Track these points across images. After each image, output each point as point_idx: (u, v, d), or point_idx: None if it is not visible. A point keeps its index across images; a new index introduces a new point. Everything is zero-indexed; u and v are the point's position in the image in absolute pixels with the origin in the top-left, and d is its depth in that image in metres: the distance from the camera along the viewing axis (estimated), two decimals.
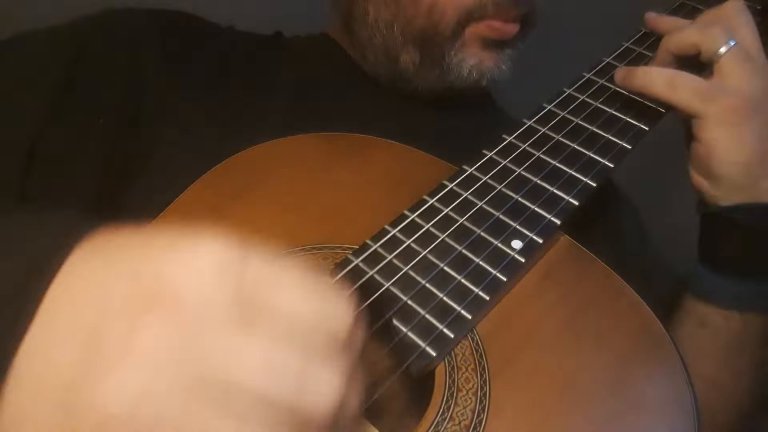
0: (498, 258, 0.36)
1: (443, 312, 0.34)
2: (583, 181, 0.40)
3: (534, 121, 0.45)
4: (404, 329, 0.33)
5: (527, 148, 0.43)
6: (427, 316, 0.33)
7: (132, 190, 0.47)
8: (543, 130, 0.44)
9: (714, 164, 0.44)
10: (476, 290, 0.34)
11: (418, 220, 0.38)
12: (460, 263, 0.36)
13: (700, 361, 0.46)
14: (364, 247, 0.36)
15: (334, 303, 0.22)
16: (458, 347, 0.33)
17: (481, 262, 0.36)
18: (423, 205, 0.39)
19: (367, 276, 0.35)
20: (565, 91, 0.48)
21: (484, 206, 0.39)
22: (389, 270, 0.35)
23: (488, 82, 0.53)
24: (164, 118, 0.48)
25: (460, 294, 0.34)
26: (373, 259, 0.36)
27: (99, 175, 0.46)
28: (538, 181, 0.40)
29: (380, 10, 0.53)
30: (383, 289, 0.34)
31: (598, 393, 0.32)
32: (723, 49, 0.44)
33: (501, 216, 0.38)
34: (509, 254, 0.36)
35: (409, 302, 0.34)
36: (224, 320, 0.20)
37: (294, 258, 0.35)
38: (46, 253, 0.21)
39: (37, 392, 0.19)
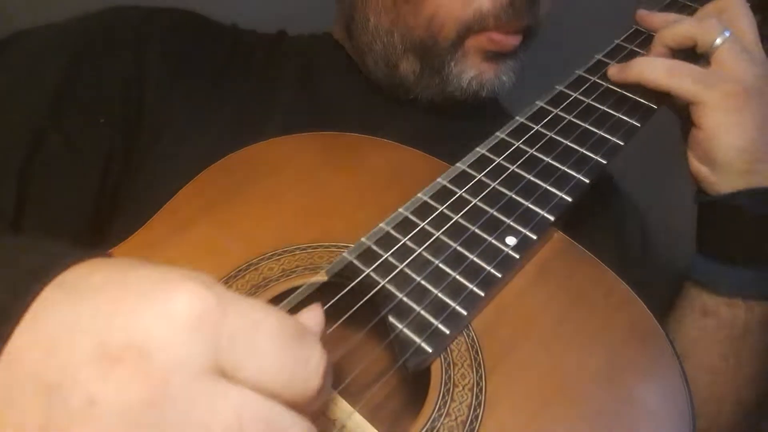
0: (492, 254, 0.36)
1: (438, 308, 0.34)
2: (576, 177, 0.41)
3: (527, 119, 0.45)
4: (400, 326, 0.33)
5: (520, 145, 0.43)
6: (423, 312, 0.33)
7: (132, 189, 0.47)
8: (536, 128, 0.44)
9: (715, 150, 0.44)
10: (471, 286, 0.35)
11: (413, 218, 0.38)
12: (455, 260, 0.36)
13: (705, 352, 0.46)
14: (359, 245, 0.37)
15: (306, 366, 0.21)
16: (454, 343, 0.33)
17: (475, 259, 0.36)
18: (418, 203, 0.39)
19: (363, 274, 0.35)
20: (558, 89, 0.48)
21: (479, 203, 0.39)
22: (384, 267, 0.35)
23: (489, 94, 0.53)
24: (165, 118, 0.48)
25: (455, 290, 0.35)
26: (368, 256, 0.36)
27: (99, 174, 0.46)
28: (531, 178, 0.41)
29: (380, 17, 0.52)
30: (379, 286, 0.34)
31: (593, 387, 0.32)
32: (719, 41, 0.45)
33: (495, 213, 0.39)
34: (503, 250, 0.37)
35: (405, 299, 0.34)
36: (194, 381, 0.19)
37: (267, 300, 0.34)
38: (14, 291, 0.20)
39: None
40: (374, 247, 0.36)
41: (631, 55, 0.50)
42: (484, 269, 0.35)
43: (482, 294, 0.34)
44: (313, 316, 0.26)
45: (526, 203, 0.39)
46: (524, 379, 0.32)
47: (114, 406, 0.18)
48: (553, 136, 0.44)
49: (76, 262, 0.22)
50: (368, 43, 0.54)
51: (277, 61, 0.56)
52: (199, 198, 0.40)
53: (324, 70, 0.57)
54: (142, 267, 0.21)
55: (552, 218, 0.38)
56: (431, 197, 0.40)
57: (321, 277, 0.35)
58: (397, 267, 0.35)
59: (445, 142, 0.44)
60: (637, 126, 0.44)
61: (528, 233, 0.37)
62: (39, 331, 0.20)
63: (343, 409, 0.31)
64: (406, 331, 0.33)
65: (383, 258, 0.36)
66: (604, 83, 0.48)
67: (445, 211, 0.39)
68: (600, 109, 0.46)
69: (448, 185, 0.40)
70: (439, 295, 0.34)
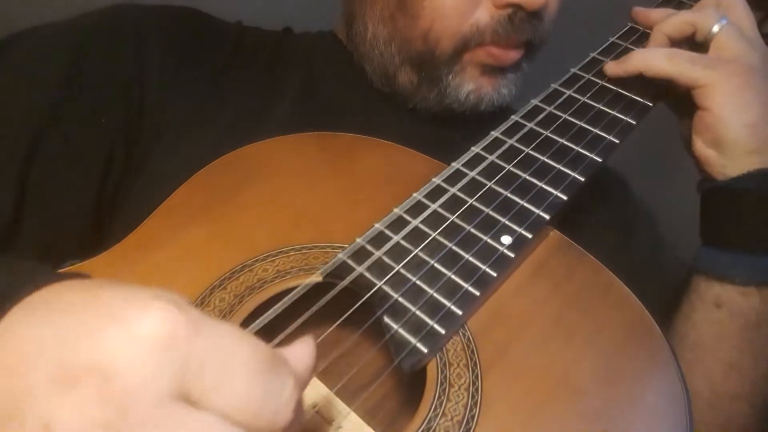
0: (488, 253, 0.36)
1: (434, 308, 0.34)
2: (571, 175, 0.41)
3: (521, 117, 0.45)
4: (395, 326, 0.33)
5: (515, 143, 0.43)
6: (418, 312, 0.33)
7: (132, 189, 0.47)
8: (530, 126, 0.44)
9: (723, 130, 0.44)
10: (466, 286, 0.34)
11: (408, 218, 0.38)
12: (450, 259, 0.36)
13: (719, 345, 0.45)
14: (353, 246, 0.36)
15: (276, 399, 0.20)
16: (450, 343, 0.33)
17: (470, 258, 0.36)
18: (412, 203, 0.39)
19: (357, 274, 0.35)
20: (552, 86, 0.48)
21: (474, 202, 0.39)
22: (379, 268, 0.35)
23: (488, 107, 0.52)
24: (166, 117, 0.48)
25: (451, 290, 0.34)
26: (363, 256, 0.36)
27: (99, 174, 0.46)
28: (526, 177, 0.41)
29: (378, 27, 0.52)
30: (376, 288, 0.34)
31: (589, 386, 0.32)
32: (716, 27, 0.45)
33: (490, 212, 0.38)
34: (499, 250, 0.36)
35: (400, 299, 0.34)
36: (158, 407, 0.18)
37: (260, 303, 0.34)
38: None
39: None
40: (369, 247, 0.36)
41: (626, 52, 0.50)
42: (480, 269, 0.35)
43: (477, 293, 0.34)
44: (303, 349, 0.24)
45: (521, 202, 0.39)
46: (520, 379, 0.32)
47: (70, 430, 0.17)
48: (548, 134, 0.44)
49: (46, 284, 0.21)
50: (367, 52, 0.53)
51: (281, 60, 0.56)
52: (195, 198, 0.40)
53: (327, 71, 0.56)
54: (113, 287, 0.21)
55: (547, 217, 0.38)
56: (426, 196, 0.39)
57: (316, 278, 0.35)
58: (392, 267, 0.35)
59: (446, 146, 0.44)
60: (633, 124, 0.44)
61: (523, 232, 0.37)
62: (2, 352, 0.19)
63: (339, 409, 0.31)
64: (401, 331, 0.33)
65: (377, 258, 0.36)
66: (599, 81, 0.48)
67: (440, 210, 0.39)
68: (595, 106, 0.46)
69: (443, 184, 0.40)
70: (435, 295, 0.34)
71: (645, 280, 0.53)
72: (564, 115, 0.45)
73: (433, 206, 0.39)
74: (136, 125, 0.47)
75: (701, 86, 0.44)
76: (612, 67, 0.48)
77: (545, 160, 0.42)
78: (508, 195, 0.39)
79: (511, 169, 0.41)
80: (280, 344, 0.25)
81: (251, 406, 0.20)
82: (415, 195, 0.39)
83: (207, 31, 0.55)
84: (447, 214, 0.38)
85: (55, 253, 0.44)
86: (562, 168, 0.41)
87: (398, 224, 0.38)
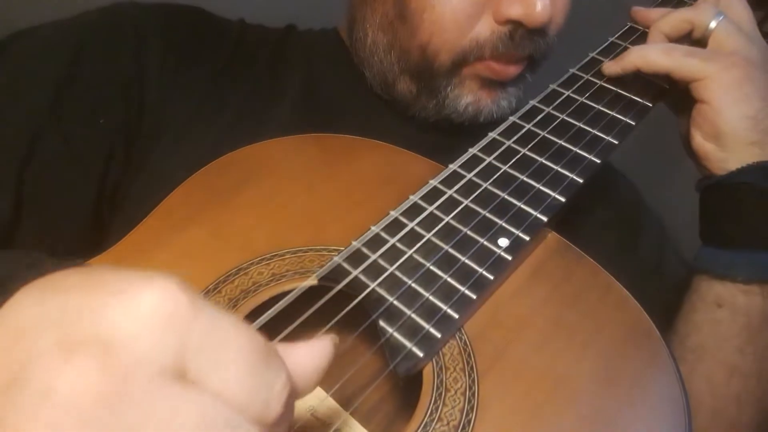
0: (484, 256, 0.36)
1: (430, 312, 0.33)
2: (569, 177, 0.40)
3: (519, 118, 0.45)
4: (390, 330, 0.32)
5: (512, 144, 0.43)
6: (414, 316, 0.33)
7: (132, 189, 0.47)
8: (528, 127, 0.44)
9: (722, 122, 0.43)
10: (463, 289, 0.34)
11: (404, 220, 0.38)
12: (447, 262, 0.36)
13: (720, 347, 0.44)
14: (349, 249, 0.36)
15: (268, 390, 0.20)
16: (446, 347, 0.33)
17: (467, 261, 0.36)
18: (409, 205, 0.39)
19: (352, 276, 0.34)
20: (551, 87, 0.48)
21: (470, 204, 0.39)
22: (375, 270, 0.35)
23: (486, 119, 0.51)
24: (165, 117, 0.48)
25: (447, 293, 0.34)
26: (359, 259, 0.35)
27: (98, 175, 0.46)
28: (523, 178, 0.40)
29: (378, 34, 0.51)
30: (369, 289, 0.34)
31: (587, 390, 0.32)
32: (713, 23, 0.45)
33: (487, 214, 0.38)
34: (496, 252, 0.36)
35: (395, 302, 0.34)
36: (156, 380, 0.18)
37: (255, 307, 0.34)
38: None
39: None
40: (364, 250, 0.36)
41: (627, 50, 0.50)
42: (476, 271, 0.35)
43: (474, 297, 0.34)
44: (314, 348, 0.24)
45: (519, 204, 0.39)
46: (518, 383, 0.32)
47: (69, 397, 0.17)
48: (546, 135, 0.43)
49: (49, 271, 0.22)
50: (366, 57, 0.53)
51: (282, 59, 0.55)
52: (193, 199, 0.40)
53: (327, 71, 0.56)
54: (116, 270, 0.21)
55: (545, 219, 0.38)
56: (422, 198, 0.39)
57: (311, 281, 0.35)
58: (387, 269, 0.35)
59: (445, 149, 0.43)
60: (632, 124, 0.44)
61: (520, 234, 0.37)
62: (4, 326, 0.19)
63: (335, 412, 0.31)
64: (396, 335, 0.32)
65: (373, 260, 0.35)
66: (598, 81, 0.48)
67: (436, 212, 0.38)
68: (594, 107, 0.45)
69: (440, 186, 0.40)
70: (431, 298, 0.34)
71: (651, 282, 0.53)
72: (562, 116, 0.45)
73: (430, 208, 0.38)
74: (135, 125, 0.47)
75: (699, 79, 0.43)
76: (610, 66, 0.48)
77: (543, 161, 0.41)
78: (506, 197, 0.39)
79: (509, 170, 0.41)
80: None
81: (243, 394, 0.20)
82: (411, 197, 0.39)
83: (208, 30, 0.55)
84: (443, 216, 0.38)
85: (55, 254, 0.44)
86: (560, 169, 0.41)
87: (394, 227, 0.37)
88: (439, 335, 0.32)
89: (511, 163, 0.41)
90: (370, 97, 0.55)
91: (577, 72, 0.49)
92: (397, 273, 0.35)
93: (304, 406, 0.32)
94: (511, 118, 0.45)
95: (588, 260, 0.38)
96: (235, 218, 0.39)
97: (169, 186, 0.40)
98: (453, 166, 0.41)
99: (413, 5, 0.46)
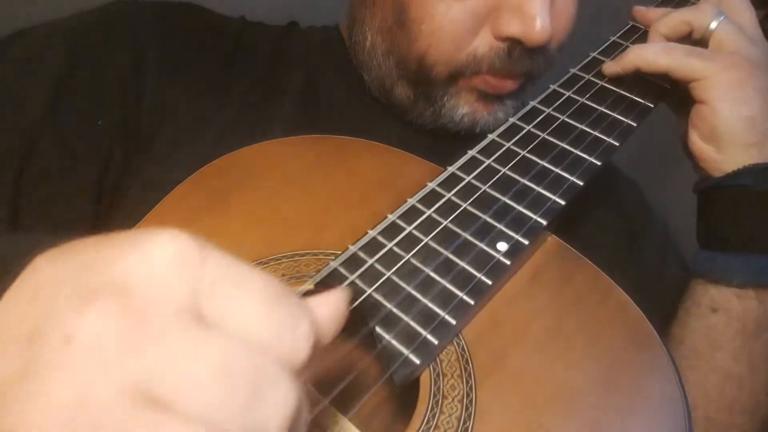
0: (483, 261, 0.35)
1: (427, 318, 0.33)
2: (569, 180, 0.40)
3: (519, 119, 0.44)
4: (387, 336, 0.32)
5: (512, 146, 0.42)
6: (411, 322, 0.33)
7: (130, 191, 0.46)
8: (528, 128, 0.43)
9: (720, 123, 0.43)
10: (461, 295, 0.34)
11: (402, 223, 0.37)
12: (444, 267, 0.35)
13: (714, 353, 0.44)
14: (346, 253, 0.36)
15: (293, 331, 0.20)
16: (444, 353, 0.33)
17: (465, 266, 0.35)
18: (406, 208, 0.38)
19: (348, 281, 0.34)
20: (551, 87, 0.47)
21: (469, 208, 0.38)
22: (372, 275, 0.34)
23: (483, 130, 0.50)
24: (163, 118, 0.47)
25: (445, 299, 0.34)
26: (356, 264, 0.35)
27: (96, 177, 0.45)
28: (523, 181, 0.40)
29: (377, 39, 0.50)
30: (365, 295, 0.33)
31: (587, 396, 0.32)
32: (714, 24, 0.44)
33: (486, 217, 0.38)
34: (494, 257, 0.36)
35: (392, 308, 0.33)
36: (175, 320, 0.18)
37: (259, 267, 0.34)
38: (6, 265, 0.21)
39: None
40: (361, 254, 0.35)
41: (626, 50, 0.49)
42: (475, 276, 0.35)
43: (472, 302, 0.33)
44: (328, 297, 0.23)
45: (518, 207, 0.38)
46: (516, 390, 0.31)
47: (91, 341, 0.17)
48: (546, 136, 0.43)
49: (65, 242, 0.22)
50: (365, 60, 0.52)
51: (283, 58, 0.55)
52: (188, 202, 0.39)
53: (328, 71, 0.55)
54: (126, 233, 0.21)
55: (544, 222, 0.37)
56: (420, 201, 0.39)
57: (307, 286, 0.34)
58: (384, 274, 0.35)
59: (444, 152, 0.43)
60: (633, 126, 0.43)
61: (520, 238, 0.36)
62: (25, 285, 0.20)
63: (333, 418, 0.31)
64: (393, 341, 0.32)
65: (369, 265, 0.35)
66: (599, 81, 0.47)
67: (435, 215, 0.38)
68: (595, 108, 0.45)
69: (438, 189, 0.39)
70: (428, 303, 0.33)
71: (652, 285, 0.53)
72: (563, 117, 0.44)
73: (428, 212, 0.38)
74: (134, 125, 0.47)
75: (698, 79, 0.43)
76: (610, 66, 0.47)
77: (543, 163, 0.41)
78: (505, 200, 0.39)
79: (508, 172, 0.40)
80: None
81: (265, 332, 0.19)
82: (409, 200, 0.39)
83: (206, 28, 0.54)
84: (442, 220, 0.37)
85: None
86: (560, 172, 0.40)
87: (392, 230, 0.37)
88: (436, 342, 0.32)
89: (510, 165, 0.41)
90: (370, 98, 0.54)
91: (577, 72, 0.48)
92: (395, 278, 0.34)
93: None
94: (511, 120, 0.44)
95: (588, 264, 0.38)
96: (231, 221, 0.38)
97: (168, 187, 0.39)
98: (452, 169, 0.41)
99: (412, 14, 0.46)
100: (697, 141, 0.45)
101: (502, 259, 0.35)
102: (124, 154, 0.46)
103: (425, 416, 0.30)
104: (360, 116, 0.54)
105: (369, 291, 0.34)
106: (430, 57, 0.46)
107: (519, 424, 0.30)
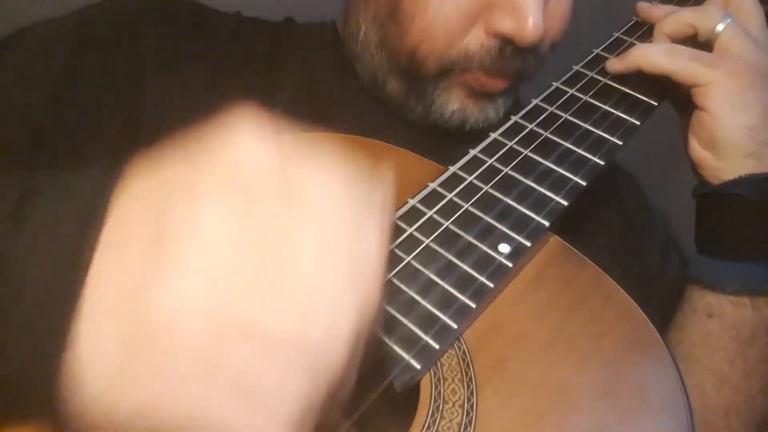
0: (485, 263, 0.35)
1: (428, 322, 0.32)
2: (572, 180, 0.39)
3: (521, 117, 0.44)
4: (387, 341, 0.32)
5: (514, 145, 0.41)
6: (412, 326, 0.32)
7: None
8: (531, 127, 0.43)
9: (719, 130, 0.42)
10: (462, 298, 0.33)
11: (402, 225, 0.37)
12: (446, 269, 0.35)
13: (710, 357, 0.44)
14: None
15: (375, 180, 0.24)
16: (444, 357, 0.32)
17: (467, 268, 0.35)
18: (407, 209, 0.38)
19: None
20: (554, 85, 0.46)
21: (470, 208, 0.38)
22: None
23: (473, 128, 0.49)
24: (163, 114, 0.47)
25: (446, 302, 0.33)
26: None
27: (102, 174, 0.45)
28: (525, 181, 0.39)
29: (371, 30, 0.50)
30: None
31: (589, 400, 0.31)
32: (720, 26, 0.43)
33: (487, 218, 0.37)
34: (496, 259, 0.35)
35: (393, 312, 0.33)
36: (275, 200, 0.21)
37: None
38: (102, 191, 0.23)
39: (109, 308, 0.20)
40: None
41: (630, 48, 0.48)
42: (476, 279, 0.34)
43: (473, 306, 0.33)
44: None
45: (520, 208, 0.38)
46: (517, 394, 0.31)
47: (213, 225, 0.20)
48: (549, 135, 0.42)
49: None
50: (359, 52, 0.51)
51: (278, 54, 0.54)
52: None
53: (324, 67, 0.55)
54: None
55: (547, 224, 0.37)
56: (421, 202, 0.38)
57: None
58: (384, 277, 0.34)
59: (442, 147, 0.42)
60: (637, 124, 0.43)
61: (522, 240, 0.36)
62: (130, 198, 0.22)
63: (336, 424, 0.30)
64: (393, 346, 0.31)
65: None
66: (602, 79, 0.46)
67: (435, 216, 0.37)
68: (598, 106, 0.44)
69: (439, 189, 0.39)
70: (429, 307, 0.33)
71: (653, 285, 0.52)
72: (565, 115, 0.43)
73: (429, 213, 0.37)
74: (136, 121, 0.46)
75: (701, 84, 0.42)
76: (613, 64, 0.46)
77: (546, 163, 0.40)
78: (507, 201, 0.38)
79: (510, 173, 0.40)
80: None
81: (352, 195, 0.23)
82: (410, 201, 0.38)
83: (203, 24, 0.53)
84: (443, 221, 0.37)
85: None
86: (563, 172, 0.40)
87: (392, 231, 0.36)
88: (437, 347, 0.31)
89: (512, 165, 0.40)
90: (365, 93, 0.54)
91: (581, 69, 0.47)
92: (395, 280, 0.34)
93: None
94: (513, 118, 0.43)
95: (590, 265, 0.37)
96: None
97: None
98: (453, 168, 0.40)
99: (405, 7, 0.45)
100: (696, 147, 0.45)
101: (504, 261, 0.35)
102: (128, 152, 0.46)
103: (426, 422, 0.30)
104: (355, 112, 0.53)
105: None
106: (421, 51, 0.46)
107: (520, 429, 0.30)
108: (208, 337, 0.19)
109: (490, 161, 0.40)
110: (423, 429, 0.29)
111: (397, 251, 0.35)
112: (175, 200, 0.21)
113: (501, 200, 0.38)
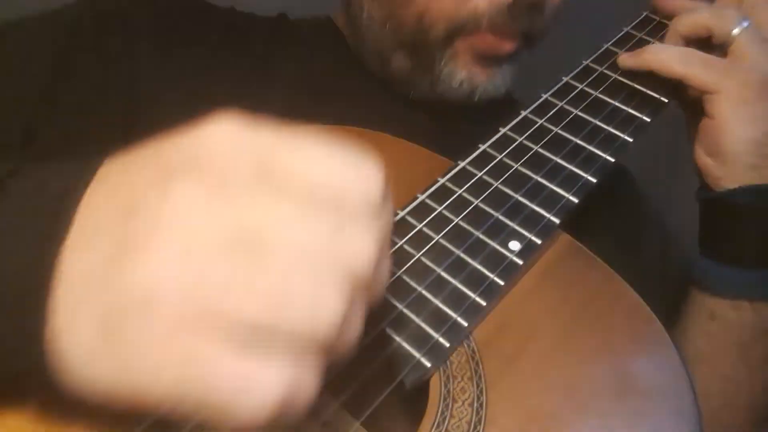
0: (495, 261, 0.34)
1: (438, 319, 0.32)
2: (583, 177, 0.39)
3: (530, 112, 0.43)
4: (398, 339, 0.31)
5: (524, 141, 0.41)
6: (422, 324, 0.32)
7: None
8: (540, 122, 0.42)
9: (725, 141, 0.42)
10: (473, 296, 0.33)
11: (412, 220, 0.36)
12: (456, 266, 0.34)
13: (715, 358, 0.45)
14: None
15: (364, 166, 0.22)
16: (453, 355, 0.32)
17: (477, 265, 0.34)
18: (416, 204, 0.37)
19: None
20: (563, 79, 0.46)
21: (480, 205, 0.37)
22: None
23: (482, 97, 0.49)
24: (158, 109, 0.46)
25: (456, 300, 0.33)
26: None
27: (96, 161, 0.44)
28: (536, 178, 0.39)
29: (374, 8, 0.50)
30: None
31: (599, 399, 0.31)
32: (736, 30, 0.43)
33: (498, 215, 0.37)
34: (507, 256, 0.35)
35: (403, 309, 0.32)
36: (251, 180, 0.20)
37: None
38: (77, 177, 0.23)
39: (84, 285, 0.20)
40: None
41: (641, 43, 0.48)
42: (487, 277, 0.34)
43: (484, 303, 0.33)
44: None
45: (531, 205, 0.37)
46: (527, 393, 0.31)
47: (183, 205, 0.20)
48: (559, 131, 0.42)
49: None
50: (363, 34, 0.52)
51: (274, 48, 0.54)
52: None
53: (322, 60, 0.54)
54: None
55: (558, 221, 0.37)
56: (430, 197, 0.38)
57: None
58: (394, 273, 0.34)
59: (447, 135, 0.42)
60: (647, 121, 0.42)
61: (533, 238, 0.36)
62: (102, 184, 0.22)
63: (346, 421, 0.30)
64: (404, 344, 0.31)
65: None
66: (612, 74, 0.46)
67: (445, 212, 0.37)
68: (608, 102, 0.44)
69: (449, 184, 0.38)
70: (439, 305, 0.33)
71: (652, 282, 0.52)
72: (576, 111, 0.43)
73: (439, 209, 0.37)
74: (131, 114, 0.46)
75: (711, 93, 0.42)
76: (625, 59, 0.46)
77: (556, 159, 0.40)
78: (517, 197, 0.38)
79: (521, 169, 0.39)
80: None
81: (340, 183, 0.21)
82: (419, 196, 0.38)
83: (197, 16, 0.53)
84: (452, 217, 0.36)
85: None
86: (574, 168, 0.39)
87: (401, 227, 0.36)
88: (447, 344, 0.31)
89: (522, 161, 0.40)
90: (366, 83, 0.54)
91: (590, 64, 0.47)
92: (405, 277, 0.34)
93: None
94: (523, 113, 0.43)
95: (600, 264, 0.37)
96: None
97: None
98: (463, 163, 0.39)
99: None
100: (700, 153, 0.45)
101: (514, 258, 0.35)
102: (123, 140, 0.45)
103: (435, 420, 0.29)
104: (357, 100, 0.53)
105: None
106: (429, 15, 0.46)
107: (530, 428, 0.30)
108: (184, 310, 0.19)
109: (500, 156, 0.40)
110: (432, 427, 0.29)
111: (406, 247, 0.35)
112: (146, 180, 0.21)
113: (512, 197, 0.38)
